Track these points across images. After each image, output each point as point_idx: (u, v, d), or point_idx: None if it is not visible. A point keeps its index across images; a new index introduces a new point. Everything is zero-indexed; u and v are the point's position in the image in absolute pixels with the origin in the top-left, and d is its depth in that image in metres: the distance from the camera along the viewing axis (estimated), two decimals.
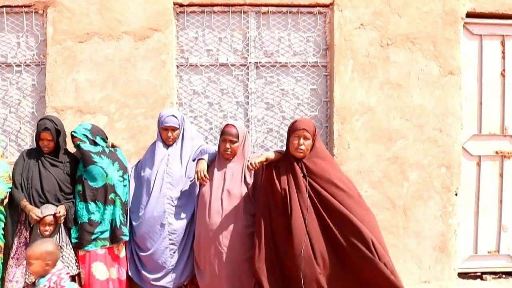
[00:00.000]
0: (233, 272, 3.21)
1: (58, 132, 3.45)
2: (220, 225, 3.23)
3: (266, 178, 3.22)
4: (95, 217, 3.39)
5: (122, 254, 3.50)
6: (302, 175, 3.09)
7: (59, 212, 3.28)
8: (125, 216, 3.49)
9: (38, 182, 3.41)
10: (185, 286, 3.56)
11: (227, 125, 3.36)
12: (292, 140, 3.13)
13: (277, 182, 3.12)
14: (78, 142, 3.46)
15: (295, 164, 3.13)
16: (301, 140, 3.09)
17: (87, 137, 3.51)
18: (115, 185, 3.45)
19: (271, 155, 3.22)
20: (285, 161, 3.19)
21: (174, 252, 3.40)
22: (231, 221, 3.24)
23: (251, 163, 3.12)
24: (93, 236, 3.37)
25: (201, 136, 3.83)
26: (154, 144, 3.58)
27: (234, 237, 3.22)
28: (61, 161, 3.50)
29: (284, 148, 4.13)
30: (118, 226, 3.41)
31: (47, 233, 3.27)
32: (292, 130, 3.15)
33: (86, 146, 3.46)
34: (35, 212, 3.26)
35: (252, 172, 3.34)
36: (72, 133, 3.53)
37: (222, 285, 3.23)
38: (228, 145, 3.31)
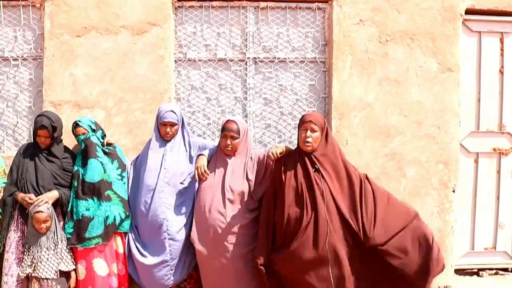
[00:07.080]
0: (235, 267, 3.21)
1: (55, 129, 3.44)
2: (220, 221, 3.23)
3: (274, 172, 3.24)
4: (90, 213, 3.36)
5: (121, 250, 3.49)
6: (313, 170, 3.09)
7: (40, 200, 3.29)
8: (125, 214, 3.47)
9: (34, 176, 3.42)
10: (185, 281, 3.56)
11: (227, 121, 3.33)
12: (300, 133, 3.15)
13: (283, 176, 3.13)
14: (87, 135, 3.46)
15: (304, 158, 3.13)
16: (308, 133, 3.10)
17: (91, 128, 3.51)
18: (112, 183, 3.44)
19: (284, 148, 3.25)
20: (294, 155, 3.21)
21: (172, 248, 3.40)
22: (232, 217, 3.23)
23: (272, 153, 3.15)
24: (89, 233, 3.34)
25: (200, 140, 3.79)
26: (151, 139, 3.57)
27: (234, 233, 3.23)
28: (57, 156, 3.49)
29: (282, 144, 4.15)
30: (111, 224, 3.38)
31: (42, 230, 3.27)
32: (300, 123, 3.18)
33: (95, 139, 3.47)
34: (29, 197, 3.31)
35: (255, 168, 3.34)
36: (78, 122, 3.52)
37: (224, 280, 3.24)
38: (229, 141, 3.29)
